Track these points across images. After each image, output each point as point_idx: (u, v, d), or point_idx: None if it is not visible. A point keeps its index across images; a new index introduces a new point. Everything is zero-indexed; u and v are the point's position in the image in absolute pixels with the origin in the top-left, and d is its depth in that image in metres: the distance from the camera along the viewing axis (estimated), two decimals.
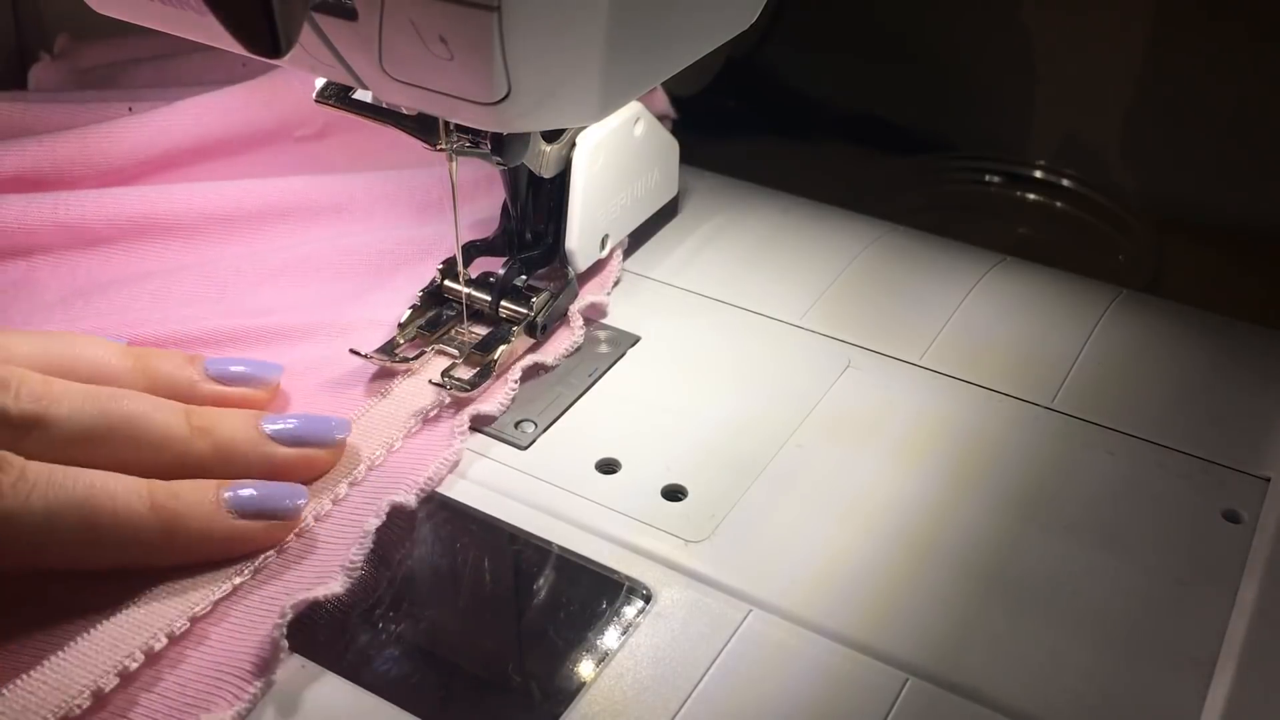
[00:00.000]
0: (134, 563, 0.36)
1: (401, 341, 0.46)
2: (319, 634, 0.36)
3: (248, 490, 0.37)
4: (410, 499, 0.39)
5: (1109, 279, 0.53)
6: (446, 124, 0.41)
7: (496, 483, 0.41)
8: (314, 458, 0.40)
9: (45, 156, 0.54)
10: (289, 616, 0.35)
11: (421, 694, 0.35)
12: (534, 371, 0.46)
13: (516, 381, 0.45)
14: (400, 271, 0.51)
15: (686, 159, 0.55)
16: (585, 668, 0.35)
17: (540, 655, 0.36)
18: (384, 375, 0.45)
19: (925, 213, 0.62)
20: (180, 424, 0.38)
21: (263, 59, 0.32)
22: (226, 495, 0.37)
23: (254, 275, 0.51)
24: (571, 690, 0.35)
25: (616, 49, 0.35)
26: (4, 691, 0.32)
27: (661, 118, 0.57)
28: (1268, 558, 0.38)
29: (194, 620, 0.35)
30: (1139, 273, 0.62)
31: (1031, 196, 0.69)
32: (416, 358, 0.46)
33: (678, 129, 0.56)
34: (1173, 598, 0.38)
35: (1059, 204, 0.68)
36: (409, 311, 0.47)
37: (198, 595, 0.36)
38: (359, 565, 0.37)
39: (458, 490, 0.41)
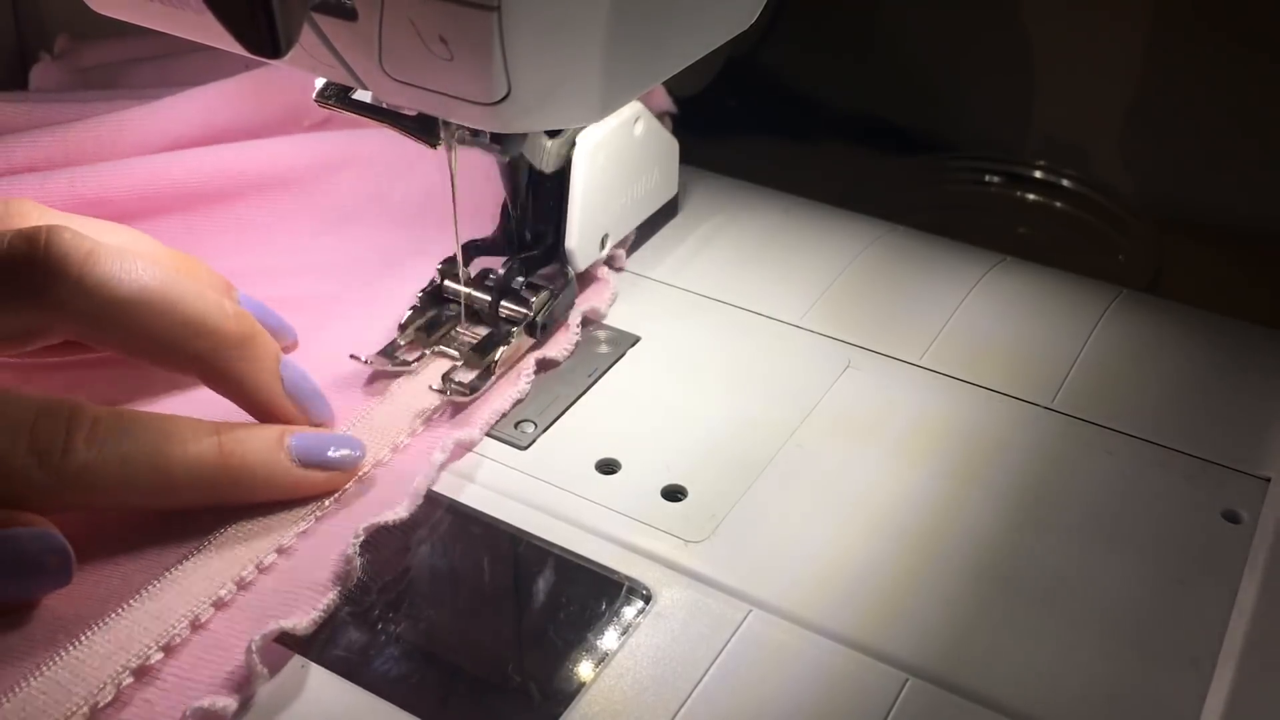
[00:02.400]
0: (203, 504, 0.38)
1: (402, 343, 0.46)
2: (319, 634, 0.36)
3: (309, 439, 0.39)
4: (475, 433, 0.42)
5: (1109, 279, 0.53)
6: (446, 122, 0.41)
7: (496, 483, 0.41)
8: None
9: (57, 147, 0.54)
10: (361, 538, 0.37)
11: (421, 694, 0.35)
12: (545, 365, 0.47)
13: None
14: (399, 271, 0.51)
15: (686, 159, 0.55)
16: (585, 668, 0.35)
17: (540, 655, 0.36)
18: (385, 378, 0.45)
19: (925, 213, 0.62)
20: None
21: (263, 59, 0.32)
22: (290, 443, 0.39)
23: (260, 269, 0.51)
24: (571, 690, 0.35)
25: (616, 49, 0.35)
26: (109, 620, 0.35)
27: (662, 114, 0.57)
28: (1268, 558, 0.38)
29: (280, 551, 0.38)
30: (1139, 273, 0.62)
31: (1031, 196, 0.69)
32: (417, 360, 0.46)
33: (678, 129, 0.56)
34: (1173, 598, 0.38)
35: (1059, 204, 0.68)
36: (409, 312, 0.47)
37: (278, 534, 0.38)
38: (423, 494, 0.40)
39: (457, 490, 0.41)
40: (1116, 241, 0.66)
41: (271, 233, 0.55)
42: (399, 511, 0.39)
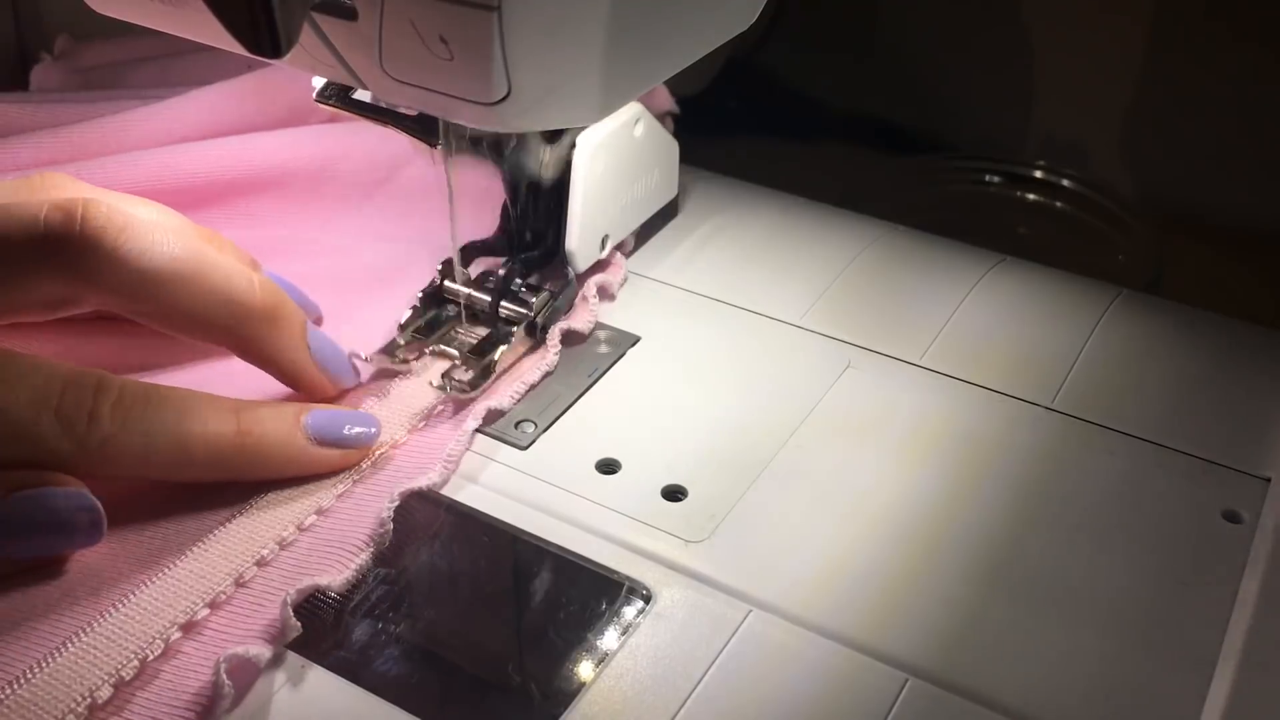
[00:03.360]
0: (223, 478, 0.39)
1: (402, 343, 0.46)
2: (320, 634, 0.36)
3: (325, 417, 0.40)
4: (505, 401, 0.44)
5: (1109, 279, 0.53)
6: (445, 124, 0.41)
7: (496, 483, 0.41)
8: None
9: (61, 147, 0.54)
10: (396, 502, 0.38)
11: (421, 694, 0.35)
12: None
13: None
14: (399, 273, 0.51)
15: (686, 159, 0.55)
16: (585, 668, 0.35)
17: (540, 655, 0.36)
18: (385, 377, 0.45)
19: (925, 213, 0.62)
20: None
21: (263, 59, 0.32)
22: (306, 421, 0.40)
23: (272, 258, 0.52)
24: (571, 690, 0.34)
25: (616, 49, 0.35)
26: (157, 578, 0.37)
27: (665, 114, 0.57)
28: (1268, 557, 0.38)
29: (319, 513, 0.39)
30: (1139, 273, 0.62)
31: (1031, 196, 0.69)
32: (417, 359, 0.46)
33: (678, 129, 0.56)
34: (1173, 597, 0.38)
35: (1059, 204, 0.68)
36: (408, 313, 0.47)
37: (317, 496, 0.40)
38: (458, 460, 0.41)
39: (457, 490, 0.41)
40: (1116, 241, 0.66)
41: (282, 222, 0.55)
42: (432, 477, 0.40)
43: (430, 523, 0.40)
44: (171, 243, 0.39)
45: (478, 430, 0.43)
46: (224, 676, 0.33)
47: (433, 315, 0.48)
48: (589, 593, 0.38)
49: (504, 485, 0.41)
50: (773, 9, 0.44)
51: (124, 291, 0.39)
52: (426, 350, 0.46)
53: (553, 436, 0.44)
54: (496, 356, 0.45)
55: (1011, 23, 0.68)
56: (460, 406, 0.44)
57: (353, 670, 0.35)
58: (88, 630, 0.35)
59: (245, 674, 0.34)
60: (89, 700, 0.33)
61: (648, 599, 0.37)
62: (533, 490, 0.41)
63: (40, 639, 0.35)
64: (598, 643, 0.36)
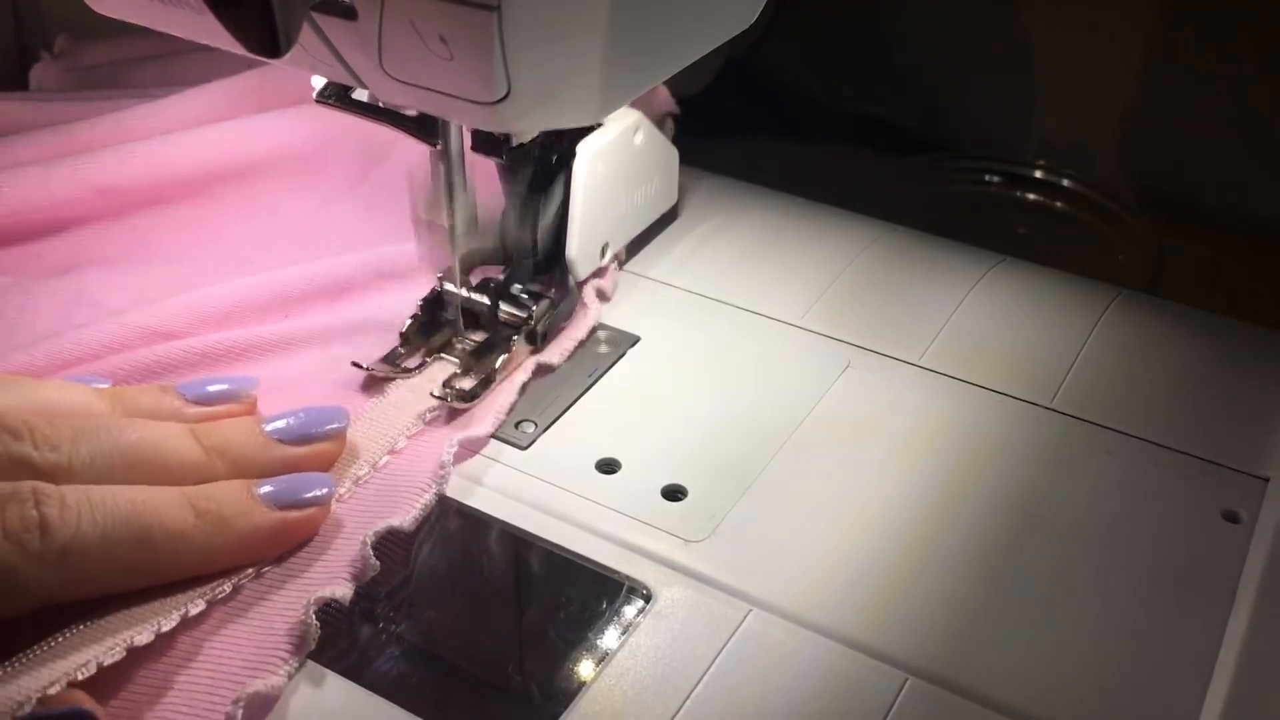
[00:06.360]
0: (189, 572, 0.36)
1: (403, 351, 0.46)
2: (320, 634, 0.36)
3: (276, 483, 0.38)
4: (556, 359, 0.46)
5: (1109, 279, 0.53)
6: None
7: (496, 482, 0.41)
8: (324, 451, 0.40)
9: (61, 146, 0.55)
10: (455, 448, 0.41)
11: (421, 694, 0.35)
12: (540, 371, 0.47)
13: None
14: (400, 278, 0.51)
15: (686, 159, 0.55)
16: (585, 668, 0.35)
17: (540, 655, 0.36)
18: (385, 384, 0.45)
19: (925, 213, 0.62)
20: (193, 447, 0.38)
21: (263, 59, 0.32)
22: (260, 491, 0.37)
23: (270, 247, 0.52)
24: (571, 690, 0.35)
25: (616, 49, 0.35)
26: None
27: (665, 115, 0.57)
28: (1267, 558, 0.38)
29: (391, 453, 0.42)
30: (1139, 273, 0.62)
31: (1031, 196, 0.69)
32: (418, 368, 0.46)
33: (677, 129, 0.56)
34: (1172, 598, 0.38)
35: (1059, 204, 0.68)
36: (409, 321, 0.47)
37: (388, 438, 0.42)
38: (504, 414, 0.43)
39: (457, 490, 0.41)
40: (1116, 241, 0.66)
41: (276, 211, 0.55)
42: (485, 427, 0.42)
43: (430, 523, 0.40)
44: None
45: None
46: (313, 616, 0.35)
47: (433, 322, 0.47)
48: (589, 592, 0.38)
49: (504, 485, 0.41)
50: (773, 9, 0.44)
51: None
52: (428, 359, 0.46)
53: (553, 436, 0.44)
54: (497, 365, 0.45)
55: (1011, 23, 0.68)
56: (459, 413, 0.44)
57: (353, 670, 0.35)
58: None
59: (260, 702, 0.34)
60: (182, 611, 0.35)
61: (648, 598, 0.37)
62: (533, 490, 0.41)
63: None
64: (598, 642, 0.36)
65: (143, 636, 0.34)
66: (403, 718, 0.34)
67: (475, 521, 0.40)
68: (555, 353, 0.47)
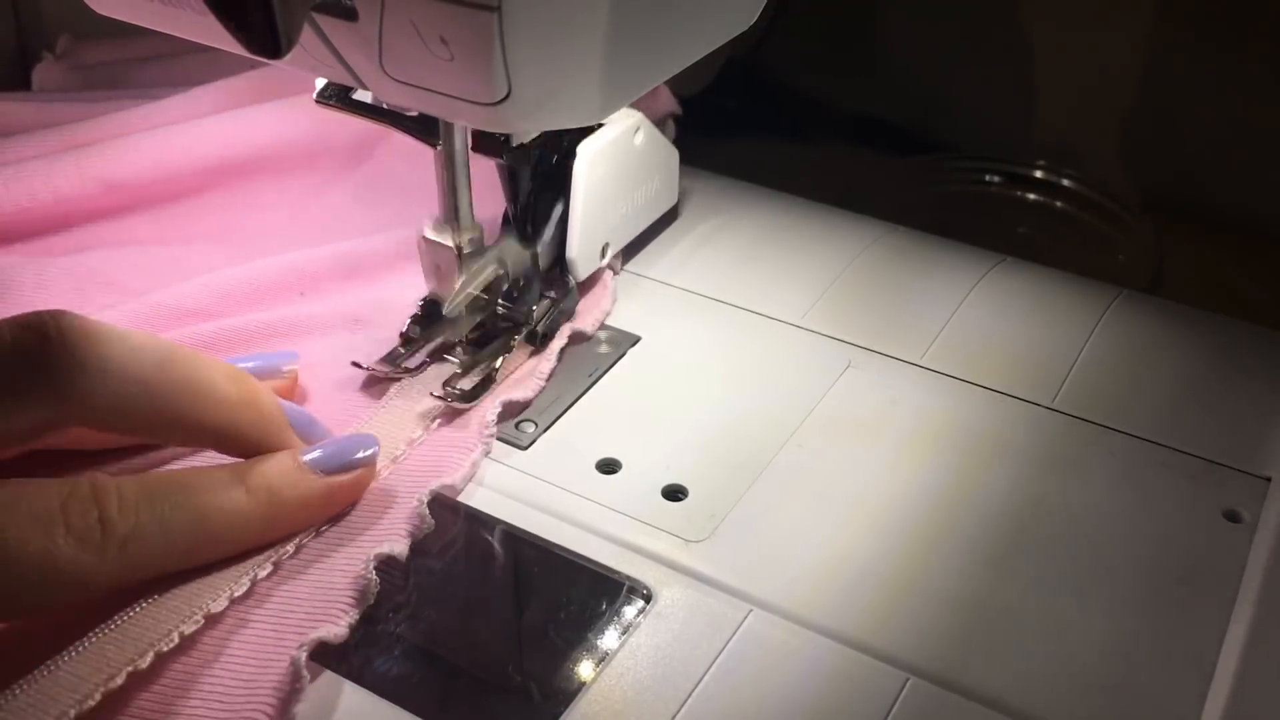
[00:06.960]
0: (245, 546, 0.37)
1: (404, 351, 0.46)
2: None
3: (321, 450, 0.39)
4: (586, 334, 0.47)
5: (1109, 279, 0.53)
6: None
7: (497, 482, 0.41)
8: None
9: (64, 146, 0.54)
10: (499, 409, 0.43)
11: (422, 694, 0.35)
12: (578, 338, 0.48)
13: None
14: (401, 274, 0.51)
15: (686, 159, 0.55)
16: (585, 668, 0.35)
17: (540, 655, 0.36)
18: (387, 384, 0.45)
19: (925, 213, 0.62)
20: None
21: (263, 59, 0.32)
22: (307, 459, 0.38)
23: (278, 242, 0.53)
24: (571, 690, 0.35)
25: (616, 49, 0.35)
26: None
27: (666, 115, 0.57)
28: (1268, 558, 0.38)
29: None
30: (1139, 273, 0.62)
31: (1031, 196, 0.69)
32: (419, 368, 0.46)
33: (678, 128, 0.56)
34: (1174, 598, 0.38)
35: (1059, 204, 0.68)
36: (409, 321, 0.47)
37: (428, 413, 0.44)
38: (545, 379, 0.45)
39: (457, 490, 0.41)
40: (1116, 241, 0.66)
41: (281, 202, 0.55)
42: (528, 391, 0.44)
43: (430, 522, 0.40)
44: (148, 346, 0.36)
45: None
46: (373, 571, 0.36)
47: (433, 323, 0.47)
48: (589, 592, 0.38)
49: (504, 485, 0.41)
50: (773, 9, 0.44)
51: (110, 405, 0.35)
52: (428, 359, 0.46)
53: (553, 436, 0.44)
54: (498, 365, 0.45)
55: (1012, 23, 0.68)
56: (459, 412, 0.44)
57: (353, 670, 0.35)
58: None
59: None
60: (251, 575, 0.36)
61: (648, 598, 0.37)
62: (533, 490, 0.41)
63: None
64: (598, 642, 0.36)
65: (218, 604, 0.35)
66: (403, 718, 0.34)
67: (476, 521, 0.40)
68: (589, 320, 0.48)
